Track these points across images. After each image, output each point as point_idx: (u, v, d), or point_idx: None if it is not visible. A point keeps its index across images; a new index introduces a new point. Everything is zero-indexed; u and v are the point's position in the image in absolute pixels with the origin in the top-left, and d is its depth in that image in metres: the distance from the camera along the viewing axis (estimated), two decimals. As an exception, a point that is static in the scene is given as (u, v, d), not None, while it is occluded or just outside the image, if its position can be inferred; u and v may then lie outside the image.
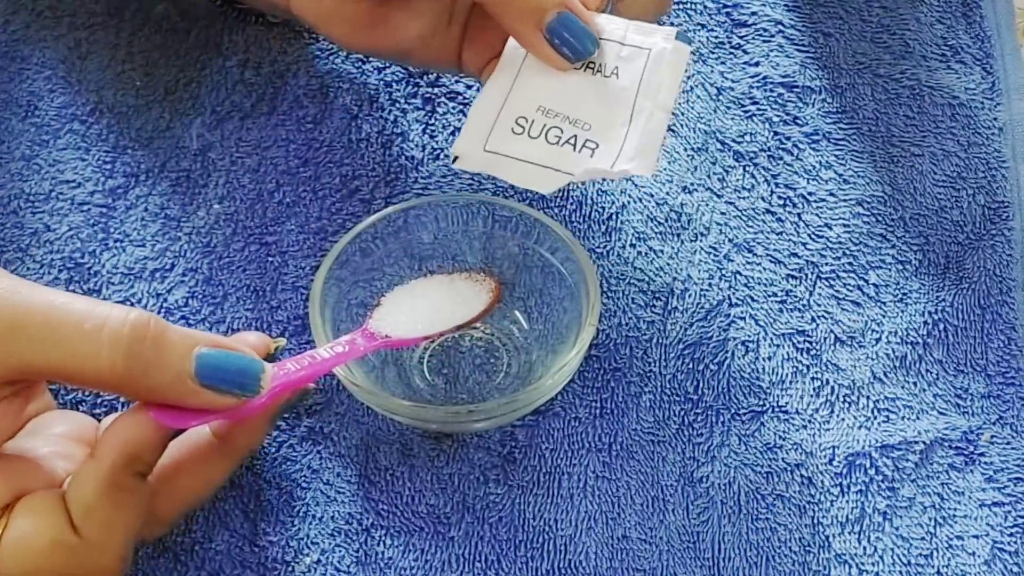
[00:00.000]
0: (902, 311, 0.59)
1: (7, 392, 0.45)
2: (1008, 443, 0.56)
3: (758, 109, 0.66)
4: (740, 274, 0.60)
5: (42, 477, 0.47)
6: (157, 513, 0.48)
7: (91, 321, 0.43)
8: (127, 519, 0.45)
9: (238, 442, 0.50)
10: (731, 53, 0.68)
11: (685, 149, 0.64)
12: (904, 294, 0.60)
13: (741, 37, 0.68)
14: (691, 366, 0.57)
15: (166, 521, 0.49)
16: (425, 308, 0.55)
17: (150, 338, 0.44)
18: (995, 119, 0.66)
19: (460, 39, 0.58)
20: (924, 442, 0.55)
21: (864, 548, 0.53)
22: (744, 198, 0.63)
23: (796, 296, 0.59)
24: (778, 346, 0.58)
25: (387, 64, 0.67)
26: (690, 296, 0.59)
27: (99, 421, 0.53)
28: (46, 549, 0.44)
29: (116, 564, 0.45)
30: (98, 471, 0.44)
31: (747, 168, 0.64)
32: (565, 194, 0.62)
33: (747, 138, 0.65)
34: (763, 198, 0.63)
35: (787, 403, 0.56)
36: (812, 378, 0.57)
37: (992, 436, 0.56)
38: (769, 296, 0.59)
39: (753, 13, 0.69)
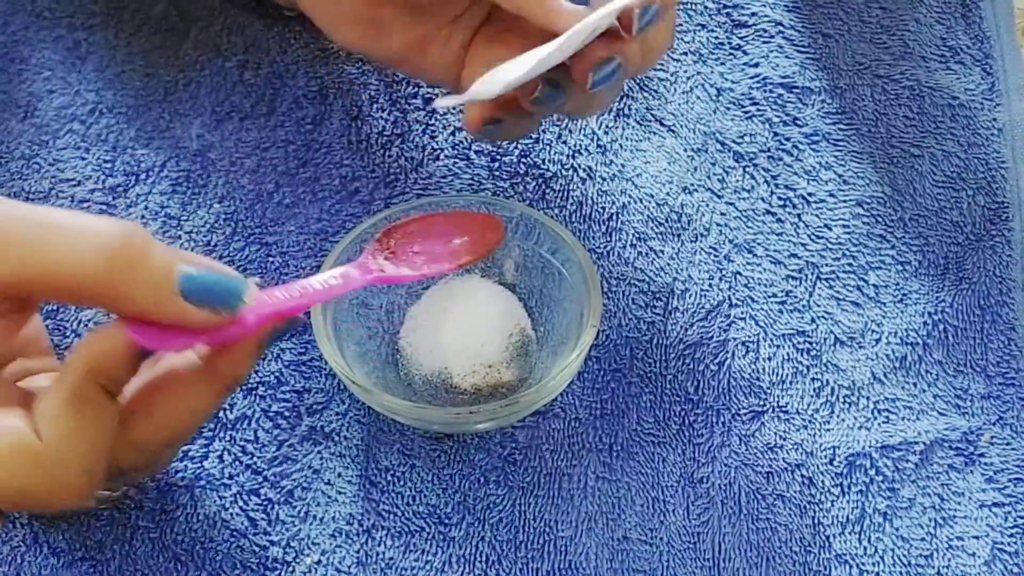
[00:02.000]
0: (902, 312, 0.59)
1: (6, 307, 0.44)
2: (1008, 444, 0.56)
3: (758, 110, 0.66)
4: (740, 275, 0.60)
5: (24, 400, 0.46)
6: (132, 435, 0.46)
7: (77, 227, 0.42)
8: (91, 433, 0.44)
9: (222, 369, 0.47)
10: (731, 54, 0.68)
11: (685, 150, 0.64)
12: (904, 295, 0.60)
13: (741, 38, 0.68)
14: (691, 367, 0.57)
15: (142, 447, 0.47)
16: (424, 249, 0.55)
17: (135, 246, 0.43)
18: (995, 120, 0.66)
19: (461, 56, 0.58)
20: (924, 443, 0.56)
21: (864, 548, 0.53)
22: (744, 199, 0.63)
23: (796, 297, 0.60)
24: (778, 347, 0.58)
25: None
26: (690, 297, 0.59)
27: None
28: (7, 454, 0.43)
29: (81, 478, 0.44)
30: (62, 380, 0.43)
31: (747, 169, 0.64)
32: (565, 194, 0.62)
33: (747, 139, 0.65)
34: (763, 199, 0.63)
35: (787, 404, 0.57)
36: (812, 379, 0.57)
37: (992, 437, 0.56)
38: (769, 297, 0.60)
39: (753, 14, 0.69)
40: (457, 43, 0.58)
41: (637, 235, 0.61)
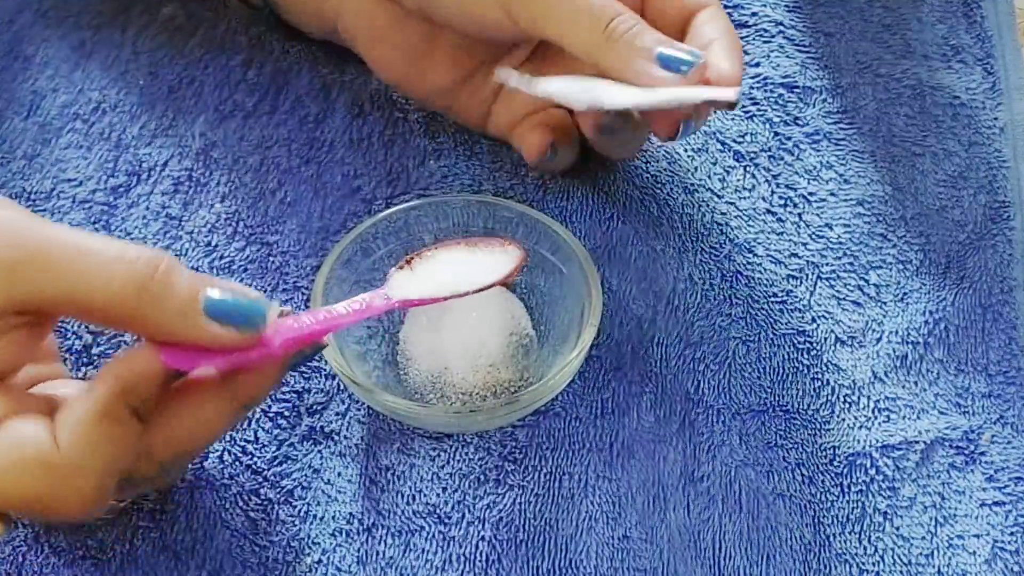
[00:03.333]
0: (903, 311, 0.59)
1: (18, 321, 0.45)
2: (1009, 443, 0.56)
3: (759, 109, 0.66)
4: (741, 274, 0.60)
5: (42, 408, 0.46)
6: (150, 447, 0.46)
7: (107, 252, 0.44)
8: (113, 450, 0.44)
9: (241, 387, 0.48)
10: (732, 53, 0.68)
11: (685, 150, 0.64)
12: (905, 294, 0.60)
13: (742, 37, 0.68)
14: (692, 366, 0.57)
15: (157, 458, 0.47)
16: (444, 273, 0.55)
17: (162, 270, 0.44)
18: (996, 119, 0.66)
19: (490, 100, 0.62)
20: (925, 442, 0.56)
21: (864, 548, 0.53)
22: (745, 198, 0.63)
23: (796, 296, 0.60)
24: (779, 346, 0.58)
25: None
26: (691, 296, 0.59)
27: None
28: (27, 462, 0.43)
29: (93, 492, 0.44)
30: (91, 396, 0.44)
31: (748, 168, 0.64)
32: (566, 194, 0.62)
33: (748, 138, 0.65)
34: (764, 198, 0.63)
35: (787, 403, 0.57)
36: (813, 378, 0.57)
37: (993, 436, 0.56)
38: (770, 296, 0.60)
39: (754, 14, 0.69)
40: (490, 87, 0.61)
41: (637, 234, 0.61)
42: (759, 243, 0.61)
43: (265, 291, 0.59)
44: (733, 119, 0.65)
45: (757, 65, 0.67)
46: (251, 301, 0.46)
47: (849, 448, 0.55)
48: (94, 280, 0.44)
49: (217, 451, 0.55)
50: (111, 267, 0.44)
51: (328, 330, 0.50)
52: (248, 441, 0.55)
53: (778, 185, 0.63)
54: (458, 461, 0.55)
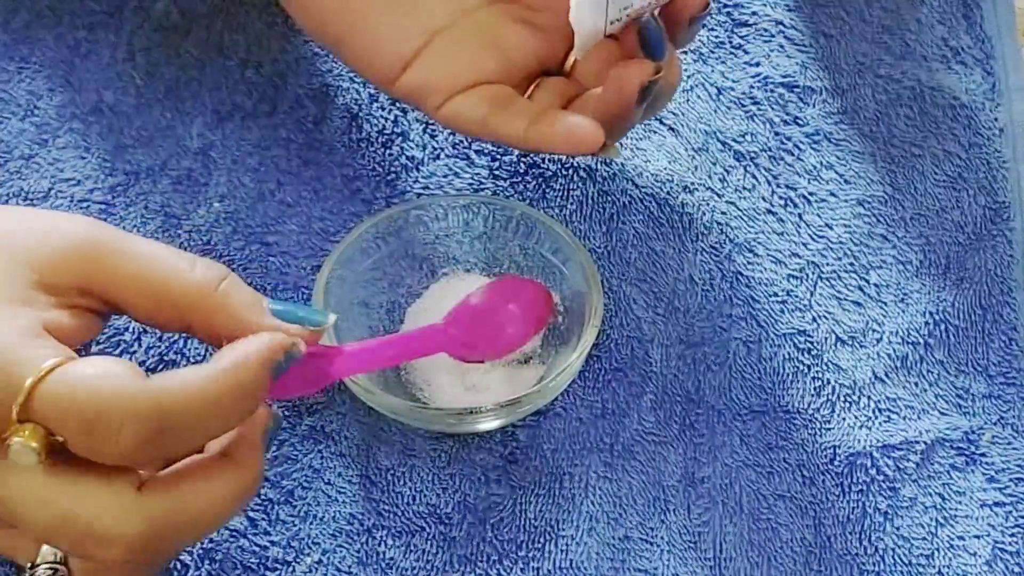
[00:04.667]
0: (903, 311, 0.59)
1: (81, 302, 0.45)
2: (1009, 443, 0.56)
3: (759, 109, 0.66)
4: (741, 274, 0.60)
5: None
6: (156, 516, 0.43)
7: (182, 253, 0.46)
8: (201, 401, 0.42)
9: (238, 454, 0.45)
10: (732, 53, 0.68)
11: (686, 149, 0.64)
12: (905, 294, 0.60)
13: (742, 37, 0.68)
14: (692, 366, 0.57)
15: (166, 525, 0.43)
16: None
17: (234, 277, 0.47)
18: (996, 120, 0.66)
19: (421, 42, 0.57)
20: (925, 442, 0.56)
21: (865, 548, 0.53)
22: (745, 198, 0.63)
23: (797, 296, 0.60)
24: (779, 346, 0.58)
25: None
26: (691, 296, 0.59)
27: None
28: (97, 376, 0.41)
29: (153, 411, 0.41)
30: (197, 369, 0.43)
31: (748, 168, 0.64)
32: (566, 194, 0.62)
33: (748, 138, 0.65)
34: (764, 198, 0.63)
35: (788, 403, 0.56)
36: (813, 378, 0.57)
37: (993, 436, 0.56)
38: (770, 296, 0.59)
39: (754, 13, 0.69)
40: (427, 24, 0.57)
41: (638, 235, 0.61)
42: (759, 243, 0.61)
43: (265, 291, 0.59)
44: (734, 119, 0.65)
45: (757, 65, 0.67)
46: (310, 306, 0.49)
47: (849, 448, 0.55)
48: (173, 268, 0.45)
49: (217, 451, 0.54)
50: (191, 259, 0.46)
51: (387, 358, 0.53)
52: (248, 441, 0.55)
53: (778, 185, 0.63)
54: (459, 461, 0.55)
